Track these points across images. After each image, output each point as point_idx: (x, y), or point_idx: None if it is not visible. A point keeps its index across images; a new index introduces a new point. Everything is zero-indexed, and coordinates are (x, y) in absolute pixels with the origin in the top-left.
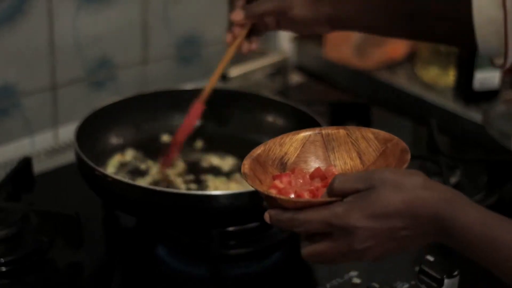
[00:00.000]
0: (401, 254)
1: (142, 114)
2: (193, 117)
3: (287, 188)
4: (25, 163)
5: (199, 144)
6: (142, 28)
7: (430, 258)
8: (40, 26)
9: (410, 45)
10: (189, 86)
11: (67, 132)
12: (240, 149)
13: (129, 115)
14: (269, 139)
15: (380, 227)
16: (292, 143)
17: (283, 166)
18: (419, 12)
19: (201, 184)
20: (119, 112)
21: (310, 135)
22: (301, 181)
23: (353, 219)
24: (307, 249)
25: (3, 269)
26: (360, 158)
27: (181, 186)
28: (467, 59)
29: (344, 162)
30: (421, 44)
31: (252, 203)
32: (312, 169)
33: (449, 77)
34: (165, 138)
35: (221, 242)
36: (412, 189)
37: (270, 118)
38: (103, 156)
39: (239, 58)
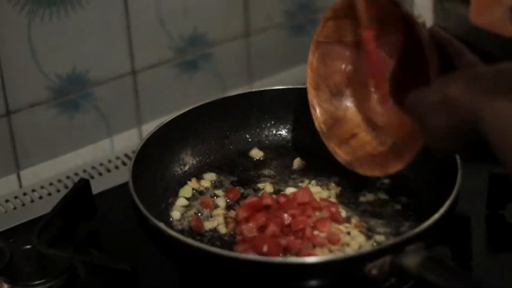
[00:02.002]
0: None
1: (226, 123)
2: (373, 51)
3: None
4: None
5: (296, 163)
6: None
7: None
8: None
9: None
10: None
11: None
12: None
13: (211, 125)
14: None
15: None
16: None
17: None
18: None
19: None
20: (196, 122)
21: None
22: None
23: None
24: None
25: None
26: None
27: None
28: None
29: None
30: None
31: (351, 270)
32: None
33: None
34: (254, 152)
35: None
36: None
37: None
38: (173, 184)
39: None
